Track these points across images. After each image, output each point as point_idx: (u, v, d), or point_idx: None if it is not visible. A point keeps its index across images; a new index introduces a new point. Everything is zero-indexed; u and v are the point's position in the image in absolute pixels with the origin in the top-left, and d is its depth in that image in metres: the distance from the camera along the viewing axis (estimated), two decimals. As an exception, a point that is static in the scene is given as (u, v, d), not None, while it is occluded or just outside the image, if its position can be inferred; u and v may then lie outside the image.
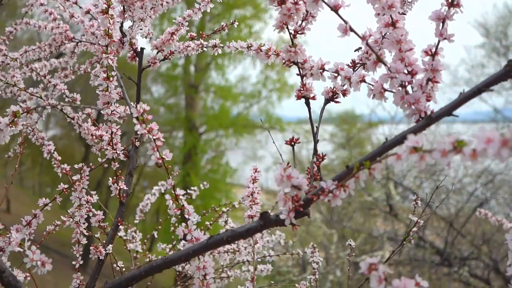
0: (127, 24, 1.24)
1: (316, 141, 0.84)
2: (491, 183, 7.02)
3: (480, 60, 9.29)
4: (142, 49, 1.28)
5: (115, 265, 1.29)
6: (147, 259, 1.55)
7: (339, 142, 10.61)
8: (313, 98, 0.89)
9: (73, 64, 1.61)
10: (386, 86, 0.74)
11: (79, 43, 1.57)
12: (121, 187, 1.14)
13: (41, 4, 1.52)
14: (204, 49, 1.27)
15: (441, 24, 0.69)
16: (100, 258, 1.12)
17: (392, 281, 0.55)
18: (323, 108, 0.88)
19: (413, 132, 0.64)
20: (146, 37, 1.28)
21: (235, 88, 11.32)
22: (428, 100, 0.69)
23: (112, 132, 1.09)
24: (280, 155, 1.06)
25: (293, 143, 0.90)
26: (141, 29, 1.24)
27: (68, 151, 11.09)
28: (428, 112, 0.68)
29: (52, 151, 1.26)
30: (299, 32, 0.86)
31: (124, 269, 1.32)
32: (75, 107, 1.32)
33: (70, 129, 11.42)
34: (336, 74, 0.85)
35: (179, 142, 11.07)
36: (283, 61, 0.88)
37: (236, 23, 1.34)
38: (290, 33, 0.85)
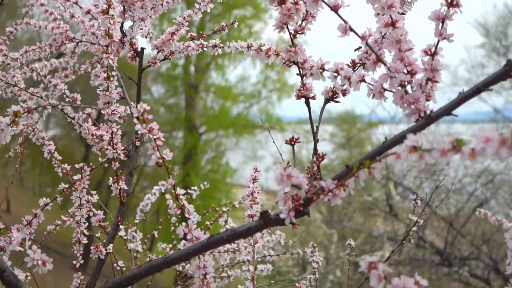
0: (127, 24, 1.25)
1: (316, 141, 0.84)
2: (491, 183, 7.03)
3: (480, 60, 9.30)
4: (142, 49, 1.28)
5: (115, 264, 1.29)
6: (148, 259, 1.55)
7: (339, 142, 10.62)
8: (313, 97, 0.89)
9: (73, 64, 1.62)
10: (385, 85, 0.74)
11: (80, 43, 1.57)
12: (122, 186, 1.14)
13: (42, 4, 1.53)
14: (204, 49, 1.28)
15: (440, 24, 0.69)
16: (101, 258, 1.12)
17: (391, 279, 0.55)
18: (323, 108, 0.89)
19: (412, 131, 0.64)
20: (146, 37, 1.28)
21: (235, 88, 11.32)
22: (427, 100, 0.69)
23: (112, 132, 1.09)
24: (280, 154, 1.07)
25: (293, 143, 0.90)
26: (141, 29, 1.24)
27: (68, 151, 11.09)
28: (428, 112, 0.69)
29: (53, 151, 1.26)
30: (299, 32, 0.86)
31: (124, 268, 1.32)
32: (75, 107, 1.33)
33: (70, 129, 11.42)
34: (336, 74, 0.85)
35: (179, 142, 11.08)
36: (283, 61, 0.89)
37: (236, 23, 1.34)
38: (290, 33, 0.86)
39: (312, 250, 1.47)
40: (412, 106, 0.70)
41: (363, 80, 0.80)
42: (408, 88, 0.72)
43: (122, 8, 1.18)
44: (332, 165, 9.16)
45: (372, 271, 0.55)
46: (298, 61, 0.88)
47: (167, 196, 0.79)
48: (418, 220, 1.42)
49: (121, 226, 1.44)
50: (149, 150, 0.76)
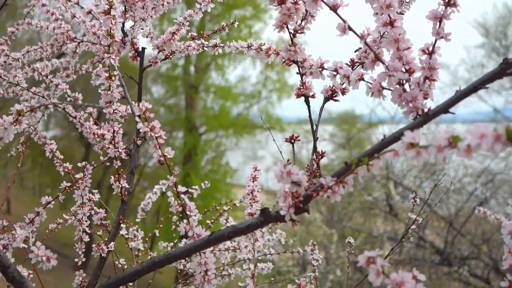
0: (128, 24, 1.26)
1: (315, 139, 0.85)
2: (491, 183, 7.03)
3: (480, 60, 9.32)
4: (143, 48, 1.29)
5: (116, 262, 1.30)
6: (149, 257, 1.56)
7: (339, 142, 10.63)
8: (313, 96, 0.90)
9: (74, 64, 1.63)
10: (384, 84, 0.75)
11: (81, 43, 1.58)
12: (123, 185, 1.15)
13: (43, 5, 1.54)
14: (205, 48, 1.29)
15: (438, 23, 0.71)
16: (102, 256, 1.13)
17: (389, 274, 0.56)
18: (322, 106, 0.90)
19: (410, 129, 0.65)
20: (147, 37, 1.29)
21: (235, 88, 11.34)
22: (425, 98, 0.71)
23: (114, 131, 1.11)
24: (281, 152, 1.08)
25: (293, 141, 0.91)
26: (143, 29, 1.25)
27: (68, 152, 11.10)
28: (426, 110, 0.70)
29: (54, 150, 1.27)
30: (299, 32, 0.87)
31: (126, 266, 1.33)
32: (77, 106, 1.34)
33: (70, 130, 11.44)
34: (335, 73, 0.86)
35: (179, 143, 11.09)
36: (283, 60, 0.90)
37: (236, 23, 1.35)
38: (290, 33, 0.87)
39: (312, 249, 1.48)
40: (410, 104, 0.71)
41: (362, 79, 0.81)
42: (406, 86, 0.73)
43: (123, 8, 1.19)
44: (332, 165, 9.17)
45: (371, 266, 0.56)
46: (298, 60, 0.89)
47: (169, 193, 0.80)
48: (417, 218, 1.43)
49: (122, 225, 1.45)
50: (149, 150, 0.77)
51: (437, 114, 0.64)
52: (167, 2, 1.28)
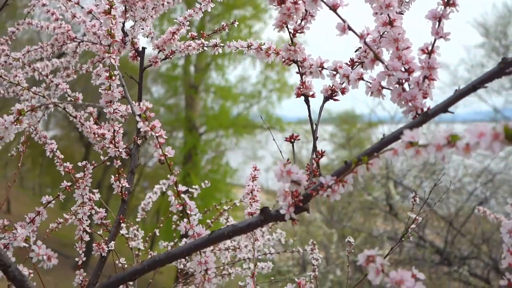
0: (128, 24, 1.26)
1: (315, 138, 0.86)
2: (491, 183, 7.04)
3: (480, 59, 9.32)
4: (143, 48, 1.29)
5: (117, 261, 1.30)
6: (149, 257, 1.57)
7: (339, 142, 10.63)
8: (313, 96, 0.91)
9: (75, 63, 1.63)
10: (383, 83, 0.76)
11: (81, 43, 1.59)
12: (123, 184, 1.15)
13: (43, 5, 1.54)
14: (205, 48, 1.29)
15: (437, 23, 0.71)
16: (103, 255, 1.13)
17: (389, 273, 0.56)
18: (322, 106, 0.90)
19: (409, 128, 0.65)
20: (147, 37, 1.30)
21: (235, 88, 11.34)
22: (424, 97, 0.71)
23: (114, 130, 1.11)
24: (281, 152, 1.08)
25: (292, 140, 0.91)
26: (143, 29, 1.26)
27: (68, 152, 11.10)
28: (425, 109, 0.70)
29: (55, 149, 1.27)
30: (299, 31, 0.87)
31: (126, 266, 1.34)
32: (77, 106, 1.34)
33: (70, 130, 11.44)
34: (334, 72, 0.86)
35: (179, 143, 11.09)
36: (283, 59, 0.90)
37: (236, 23, 1.35)
38: (289, 32, 0.87)
39: (312, 248, 1.49)
40: (410, 104, 0.71)
41: (361, 78, 0.81)
42: (406, 86, 0.73)
43: (123, 8, 1.19)
44: (332, 165, 9.17)
45: (370, 265, 0.57)
46: (298, 59, 0.89)
47: (169, 192, 0.80)
48: (417, 217, 1.44)
49: (122, 225, 1.45)
50: (149, 150, 0.78)
51: (436, 113, 0.65)
52: (167, 2, 1.28)
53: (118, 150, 1.11)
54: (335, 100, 0.90)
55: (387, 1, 0.71)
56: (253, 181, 1.06)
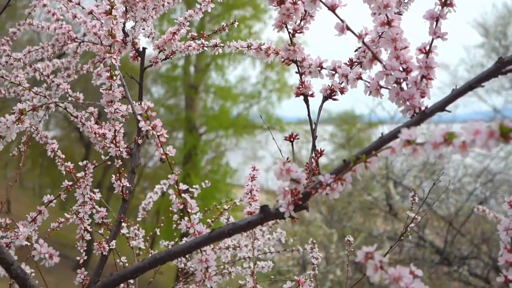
0: (129, 24, 1.27)
1: (314, 137, 0.87)
2: (491, 183, 7.05)
3: (480, 60, 9.33)
4: (144, 48, 1.30)
5: (118, 260, 1.31)
6: (150, 255, 1.57)
7: (339, 142, 10.63)
8: (312, 95, 0.91)
9: (75, 64, 1.64)
10: (382, 83, 0.76)
11: (82, 43, 1.60)
12: (124, 184, 1.16)
13: (44, 5, 1.55)
14: (205, 48, 1.30)
15: (434, 22, 0.72)
16: (104, 254, 1.14)
17: (387, 269, 0.57)
18: (321, 105, 0.91)
19: (407, 126, 0.66)
20: (148, 37, 1.30)
21: (235, 88, 11.35)
22: (422, 96, 0.72)
23: (115, 130, 1.12)
24: (281, 152, 1.09)
25: (292, 140, 0.92)
26: (144, 29, 1.26)
27: (68, 152, 11.11)
28: (423, 108, 0.71)
29: (56, 149, 1.28)
30: (298, 32, 0.88)
31: (127, 265, 1.34)
32: (78, 106, 1.35)
33: (70, 130, 11.46)
34: (333, 72, 0.87)
35: (179, 143, 11.10)
36: (282, 59, 0.91)
37: (236, 23, 1.36)
38: (289, 33, 0.88)
39: (311, 247, 1.49)
40: (408, 103, 0.72)
41: (360, 78, 0.82)
42: (404, 85, 0.74)
43: (124, 8, 1.20)
44: (332, 165, 9.17)
45: (369, 261, 0.57)
46: (297, 59, 0.90)
47: (170, 191, 0.81)
48: (416, 217, 1.44)
49: (123, 224, 1.46)
50: (149, 150, 0.78)
51: (433, 112, 0.65)
52: (168, 2, 1.29)
53: (119, 150, 1.12)
54: (334, 99, 0.91)
55: (385, 2, 0.72)
56: (252, 180, 1.07)
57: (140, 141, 1.20)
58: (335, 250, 6.54)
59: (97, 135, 1.23)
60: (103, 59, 1.15)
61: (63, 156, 1.25)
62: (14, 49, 1.59)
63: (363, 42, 0.74)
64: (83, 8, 1.37)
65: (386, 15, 0.74)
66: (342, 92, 0.90)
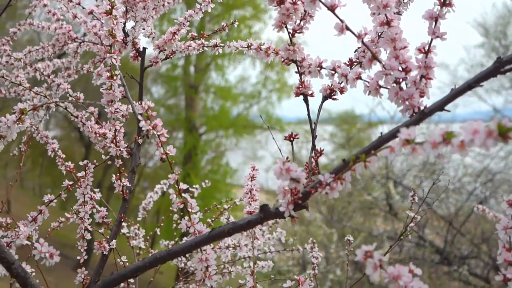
0: (129, 24, 1.27)
1: (314, 137, 0.87)
2: (491, 182, 7.05)
3: (480, 59, 9.33)
4: (144, 48, 1.30)
5: (118, 260, 1.31)
6: (150, 255, 1.57)
7: (339, 142, 10.63)
8: (311, 95, 0.92)
9: (76, 64, 1.64)
10: (381, 82, 0.77)
11: (82, 43, 1.60)
12: (124, 183, 1.17)
13: (45, 5, 1.55)
14: (205, 48, 1.30)
15: (434, 22, 0.72)
16: (104, 253, 1.14)
17: (386, 268, 0.57)
18: (321, 105, 0.91)
19: (406, 126, 0.67)
20: (148, 37, 1.31)
21: (235, 88, 11.35)
22: (421, 96, 0.72)
23: (115, 130, 1.12)
24: (280, 152, 1.09)
25: (292, 139, 0.92)
26: (144, 29, 1.27)
27: (68, 152, 11.10)
28: (422, 107, 0.71)
29: (56, 149, 1.28)
30: (298, 32, 0.88)
31: (127, 264, 1.35)
32: (78, 106, 1.35)
33: (70, 131, 11.46)
34: (333, 72, 0.87)
35: (179, 143, 11.10)
36: (282, 59, 0.91)
37: (236, 23, 1.36)
38: (288, 33, 0.88)
39: (311, 246, 1.50)
40: (407, 102, 0.73)
41: (359, 78, 0.82)
42: (403, 85, 0.74)
43: (124, 8, 1.21)
44: (332, 165, 9.17)
45: (368, 260, 0.58)
46: (297, 59, 0.90)
47: (171, 190, 0.81)
48: (415, 216, 1.45)
49: (123, 224, 1.46)
50: (149, 150, 0.79)
51: (432, 111, 0.66)
52: (168, 2, 1.30)
53: (120, 149, 1.12)
54: (334, 99, 0.91)
55: (384, 2, 0.72)
56: (251, 180, 1.08)
57: (140, 141, 1.21)
58: (335, 250, 6.54)
59: (98, 135, 1.23)
60: (104, 59, 1.15)
61: (64, 156, 1.25)
62: (14, 49, 1.59)
63: (362, 42, 0.75)
64: (83, 8, 1.38)
65: (386, 15, 0.75)
66: (341, 92, 0.90)
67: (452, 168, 7.23)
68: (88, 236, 1.16)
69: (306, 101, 0.91)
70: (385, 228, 7.39)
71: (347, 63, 0.89)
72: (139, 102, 0.76)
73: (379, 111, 9.08)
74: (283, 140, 0.99)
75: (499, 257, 0.66)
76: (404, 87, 0.74)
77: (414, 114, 0.72)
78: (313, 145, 0.87)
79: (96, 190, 1.19)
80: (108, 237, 1.16)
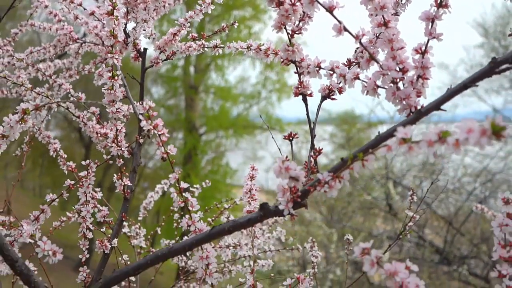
0: (130, 25, 1.28)
1: (313, 136, 0.88)
2: (490, 182, 7.06)
3: (479, 60, 9.33)
4: (145, 49, 1.31)
5: (120, 258, 1.32)
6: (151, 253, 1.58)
7: (339, 142, 10.64)
8: (310, 95, 0.93)
9: (77, 64, 1.65)
10: (378, 82, 0.78)
11: (83, 44, 1.61)
12: (126, 183, 1.18)
13: (46, 6, 1.57)
14: (206, 49, 1.31)
15: (430, 23, 0.73)
16: (106, 252, 1.15)
17: (383, 265, 0.58)
18: (319, 105, 0.92)
19: (403, 125, 0.68)
20: (149, 38, 1.32)
21: (235, 89, 11.37)
22: (418, 96, 0.73)
23: (117, 130, 1.13)
24: (280, 152, 1.10)
25: (291, 138, 0.93)
26: (144, 30, 1.28)
27: (68, 153, 11.06)
28: (419, 107, 0.73)
29: (58, 149, 1.29)
30: (297, 32, 0.90)
31: (129, 263, 1.36)
32: (80, 106, 1.36)
33: (70, 131, 11.47)
34: (331, 72, 0.89)
35: (179, 143, 11.11)
36: (281, 59, 0.92)
37: (236, 24, 1.37)
38: (288, 33, 0.89)
39: (311, 245, 1.51)
40: (404, 102, 0.74)
41: (357, 78, 0.83)
42: (400, 84, 0.75)
43: (125, 9, 1.22)
44: (332, 165, 9.14)
45: (365, 257, 0.59)
46: (296, 59, 0.91)
47: (172, 189, 0.82)
48: (414, 215, 1.46)
49: (124, 223, 1.47)
50: (149, 151, 0.80)
51: (429, 111, 0.67)
52: (168, 4, 1.31)
53: (121, 149, 1.13)
54: (333, 99, 0.92)
55: (381, 3, 0.74)
56: (251, 180, 1.09)
57: (141, 141, 1.22)
58: (335, 250, 6.55)
59: (99, 135, 1.24)
60: (105, 60, 1.17)
61: (65, 156, 1.26)
62: (15, 50, 1.60)
63: (360, 42, 0.76)
64: (84, 9, 1.39)
65: (383, 16, 0.76)
66: (340, 92, 0.91)
67: (451, 168, 7.25)
68: (90, 235, 1.16)
69: (305, 101, 0.93)
70: (385, 228, 7.40)
71: (346, 63, 0.90)
72: (140, 102, 0.78)
73: (378, 111, 9.09)
74: (283, 140, 1.00)
75: (494, 254, 0.67)
76: (401, 87, 0.75)
77: (411, 114, 0.73)
78: (312, 144, 0.88)
79: (97, 189, 1.20)
80: (109, 236, 1.17)
